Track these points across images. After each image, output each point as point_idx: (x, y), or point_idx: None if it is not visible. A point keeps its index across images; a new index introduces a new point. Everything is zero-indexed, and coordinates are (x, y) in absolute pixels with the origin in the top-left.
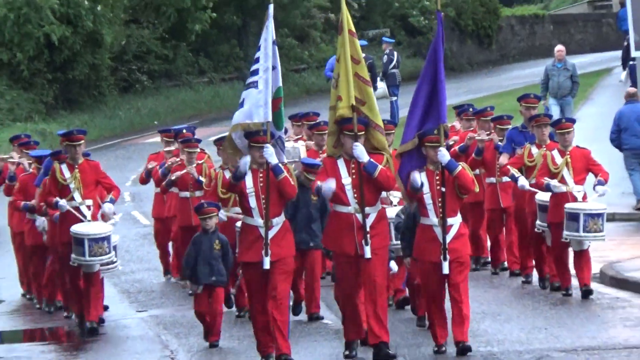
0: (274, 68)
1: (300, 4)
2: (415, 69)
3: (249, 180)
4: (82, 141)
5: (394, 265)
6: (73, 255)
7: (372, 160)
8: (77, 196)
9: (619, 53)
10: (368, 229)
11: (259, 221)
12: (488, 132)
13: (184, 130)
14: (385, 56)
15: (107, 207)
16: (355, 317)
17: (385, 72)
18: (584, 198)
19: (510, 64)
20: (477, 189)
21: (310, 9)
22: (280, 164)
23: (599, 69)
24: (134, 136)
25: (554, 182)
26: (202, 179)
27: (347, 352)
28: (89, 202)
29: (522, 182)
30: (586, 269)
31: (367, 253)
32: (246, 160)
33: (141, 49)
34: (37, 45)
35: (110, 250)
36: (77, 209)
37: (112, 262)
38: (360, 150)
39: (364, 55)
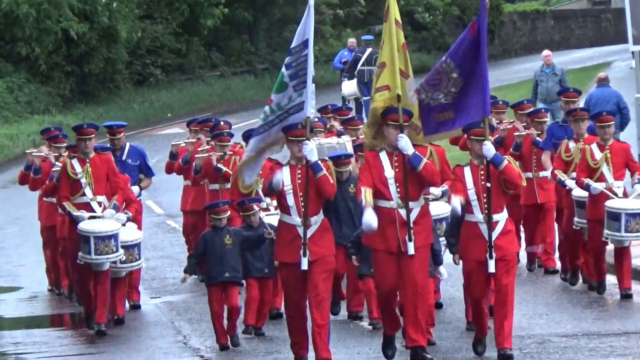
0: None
1: None
2: (421, 62)
3: (286, 178)
4: (93, 135)
5: (443, 271)
6: (80, 254)
7: (417, 152)
8: (88, 192)
9: (617, 47)
10: (412, 225)
11: (296, 220)
12: (524, 124)
13: (222, 123)
14: None
15: (109, 212)
16: (393, 316)
17: None
18: (624, 194)
19: (512, 58)
20: (524, 184)
21: (320, 5)
22: (319, 161)
23: (598, 63)
24: (147, 128)
25: (594, 185)
26: (221, 166)
27: (386, 347)
28: (101, 198)
29: (570, 184)
30: (626, 270)
31: (411, 249)
32: (279, 178)
33: (155, 43)
34: (55, 40)
35: (118, 249)
36: (88, 205)
37: (136, 261)
38: (405, 142)
39: (370, 49)
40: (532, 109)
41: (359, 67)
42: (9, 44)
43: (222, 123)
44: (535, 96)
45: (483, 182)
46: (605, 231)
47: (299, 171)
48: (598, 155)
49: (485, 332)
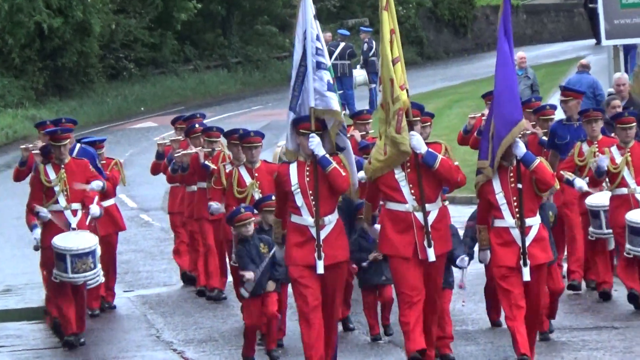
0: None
1: None
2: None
3: (293, 176)
4: (68, 140)
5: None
6: (55, 271)
7: (430, 150)
8: (61, 200)
9: (590, 42)
10: (430, 229)
11: (308, 220)
12: (533, 123)
13: (197, 125)
14: (365, 44)
15: (95, 184)
16: (417, 330)
17: (366, 59)
18: None
19: (484, 52)
20: (557, 185)
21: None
22: (327, 155)
23: (571, 57)
24: (121, 122)
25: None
26: (208, 163)
27: None
28: (76, 206)
29: (580, 183)
30: None
31: (431, 256)
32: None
33: (128, 37)
34: (28, 34)
35: (95, 265)
36: (62, 213)
37: (97, 278)
38: (417, 140)
39: (343, 44)
40: (538, 106)
41: (332, 61)
42: None
43: (197, 125)
44: None
45: (513, 185)
46: (627, 246)
47: (307, 168)
48: (618, 158)
49: (526, 348)
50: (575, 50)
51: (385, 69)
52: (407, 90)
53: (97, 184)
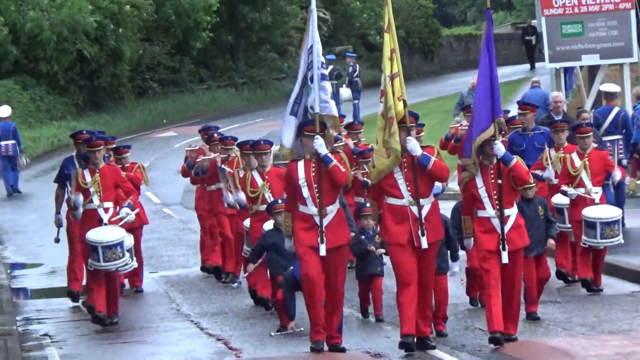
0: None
1: (280, 25)
2: (373, 77)
3: (301, 171)
4: (102, 146)
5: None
6: (90, 260)
7: (424, 152)
8: (95, 199)
9: (537, 65)
10: (423, 221)
11: (313, 209)
12: (503, 132)
13: (215, 134)
14: (350, 67)
15: (125, 211)
16: (411, 311)
17: (350, 80)
18: (602, 200)
19: (449, 74)
20: (531, 181)
21: (289, 30)
22: (329, 154)
23: (520, 78)
24: (147, 132)
25: (569, 190)
26: (224, 167)
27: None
28: (108, 204)
29: (547, 173)
30: (599, 268)
31: (424, 243)
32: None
33: (153, 61)
34: (71, 60)
35: (124, 254)
36: (95, 211)
37: (127, 264)
38: (413, 144)
39: (331, 66)
40: (507, 118)
41: None
42: (32, 62)
43: (215, 135)
44: (459, 110)
45: (493, 181)
46: (583, 237)
47: (313, 165)
48: (577, 162)
49: (500, 325)
50: (524, 72)
51: (385, 83)
52: (405, 101)
53: (126, 211)
